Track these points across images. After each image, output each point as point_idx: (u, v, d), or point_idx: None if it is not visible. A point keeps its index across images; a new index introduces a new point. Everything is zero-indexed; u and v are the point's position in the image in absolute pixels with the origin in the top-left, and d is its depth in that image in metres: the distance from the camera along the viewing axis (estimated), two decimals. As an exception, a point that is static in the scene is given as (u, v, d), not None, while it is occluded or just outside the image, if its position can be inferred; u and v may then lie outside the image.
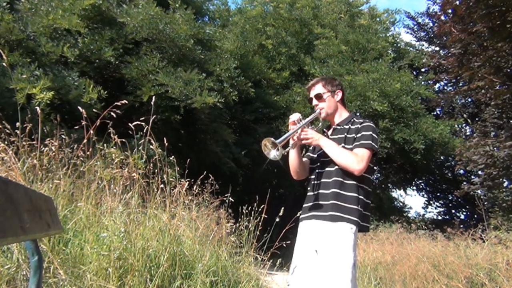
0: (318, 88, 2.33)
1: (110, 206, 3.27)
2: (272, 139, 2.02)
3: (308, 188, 2.27)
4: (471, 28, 7.37)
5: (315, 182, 2.21)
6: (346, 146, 2.14)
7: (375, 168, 2.24)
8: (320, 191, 2.15)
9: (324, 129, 2.43)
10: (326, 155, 2.15)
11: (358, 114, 9.45)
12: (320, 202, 2.13)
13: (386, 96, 10.50)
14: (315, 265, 2.02)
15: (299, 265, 2.09)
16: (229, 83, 7.99)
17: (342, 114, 2.34)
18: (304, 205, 2.24)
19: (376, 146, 2.12)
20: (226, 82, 7.89)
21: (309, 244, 2.11)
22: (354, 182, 2.08)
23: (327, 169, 2.17)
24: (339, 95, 2.34)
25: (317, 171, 2.23)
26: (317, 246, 2.05)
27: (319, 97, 2.31)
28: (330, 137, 2.27)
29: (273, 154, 2.03)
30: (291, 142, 2.20)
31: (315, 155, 2.31)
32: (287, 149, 2.17)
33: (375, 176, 14.44)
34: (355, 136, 2.15)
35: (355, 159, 2.05)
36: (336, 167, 2.11)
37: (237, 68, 8.49)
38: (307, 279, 2.03)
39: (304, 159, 2.35)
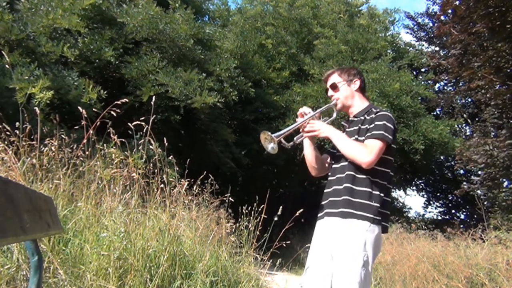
0: (334, 78, 2.20)
1: (110, 206, 3.27)
2: (268, 132, 2.02)
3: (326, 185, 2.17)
4: (471, 29, 7.36)
5: (331, 178, 2.10)
6: (359, 138, 2.00)
7: (392, 160, 2.09)
8: (335, 187, 2.03)
9: (343, 123, 2.28)
10: None
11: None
12: (333, 199, 2.01)
13: (385, 96, 10.49)
14: (327, 266, 1.94)
15: (311, 266, 2.01)
16: (229, 83, 7.98)
17: (360, 105, 2.16)
18: (321, 203, 2.12)
19: (390, 137, 1.95)
20: (226, 82, 7.88)
21: (321, 243, 2.02)
22: (366, 176, 1.94)
23: (341, 163, 2.04)
24: (356, 84, 2.17)
25: (333, 166, 2.11)
26: (329, 246, 1.96)
27: (334, 87, 2.18)
28: (347, 130, 2.13)
29: (270, 146, 2.01)
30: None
31: (335, 150, 2.12)
32: (290, 143, 2.10)
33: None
34: (368, 127, 1.99)
35: (363, 151, 1.91)
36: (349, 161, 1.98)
37: (237, 68, 8.48)
38: (318, 280, 1.95)
39: (324, 155, 2.22)
